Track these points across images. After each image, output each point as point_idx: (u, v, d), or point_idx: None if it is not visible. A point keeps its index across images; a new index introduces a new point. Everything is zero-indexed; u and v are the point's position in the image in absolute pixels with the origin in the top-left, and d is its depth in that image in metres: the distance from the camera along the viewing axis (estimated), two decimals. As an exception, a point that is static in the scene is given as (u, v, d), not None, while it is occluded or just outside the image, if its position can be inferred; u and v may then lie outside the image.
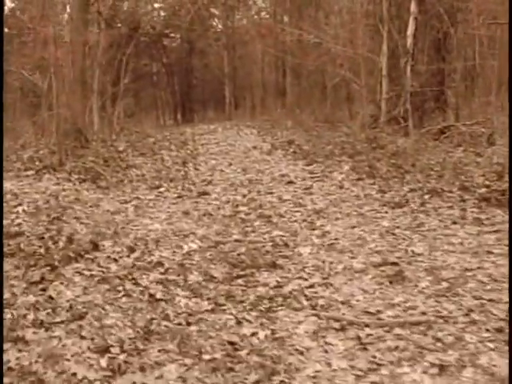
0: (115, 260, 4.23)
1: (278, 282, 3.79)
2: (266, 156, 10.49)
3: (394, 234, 4.80)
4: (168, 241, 4.78)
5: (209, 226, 5.27)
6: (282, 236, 4.91)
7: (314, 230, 5.10)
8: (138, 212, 5.89)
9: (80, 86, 9.78)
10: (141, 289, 3.66)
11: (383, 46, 11.80)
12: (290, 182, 7.75)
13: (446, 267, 3.92)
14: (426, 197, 6.14)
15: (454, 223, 5.11)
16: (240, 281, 3.83)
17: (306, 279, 3.84)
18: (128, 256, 4.33)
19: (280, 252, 4.46)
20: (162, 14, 25.98)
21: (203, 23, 26.83)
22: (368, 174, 7.65)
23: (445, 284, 3.59)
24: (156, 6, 25.73)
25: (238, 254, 4.35)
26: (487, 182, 6.51)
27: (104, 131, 11.82)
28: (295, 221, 5.45)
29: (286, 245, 4.64)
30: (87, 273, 3.94)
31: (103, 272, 3.96)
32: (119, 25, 20.50)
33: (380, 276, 3.78)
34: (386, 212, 5.58)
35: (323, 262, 4.16)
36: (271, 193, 6.98)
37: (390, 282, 3.65)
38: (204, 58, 27.96)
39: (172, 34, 27.10)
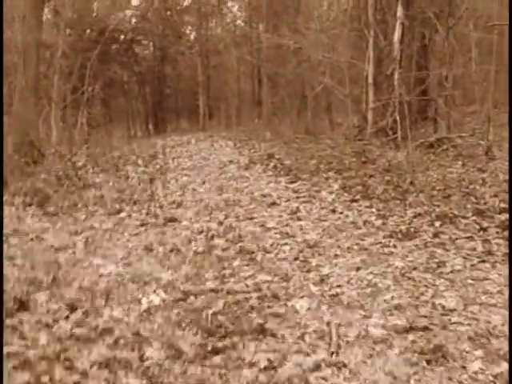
0: (47, 326, 3.12)
1: (269, 360, 2.73)
2: (243, 172, 9.46)
3: (411, 279, 3.79)
4: (123, 292, 3.68)
5: (176, 268, 4.19)
6: (270, 282, 3.86)
7: (309, 272, 4.07)
8: (90, 248, 4.77)
9: (33, 93, 8.61)
10: (75, 378, 2.56)
11: (369, 52, 10.91)
12: (273, 204, 6.73)
13: (495, 332, 2.92)
14: (437, 224, 5.17)
15: (482, 261, 4.13)
16: (218, 358, 2.77)
17: (307, 354, 2.80)
18: (66, 318, 3.22)
19: (269, 308, 3.41)
20: (133, 20, 24.84)
21: (176, 30, 25.81)
22: (362, 195, 6.68)
23: (503, 364, 2.58)
24: (127, 12, 24.62)
25: (214, 313, 3.28)
26: (503, 205, 5.59)
27: (64, 144, 10.64)
28: (284, 259, 4.41)
29: (276, 296, 3.59)
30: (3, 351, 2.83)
31: (26, 347, 2.85)
32: (88, 30, 19.33)
33: (410, 350, 2.76)
34: (395, 246, 4.58)
35: (328, 324, 3.12)
36: (252, 218, 5.93)
37: (428, 362, 2.63)
38: (177, 66, 26.89)
39: (144, 41, 25.97)
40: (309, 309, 3.36)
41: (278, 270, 4.11)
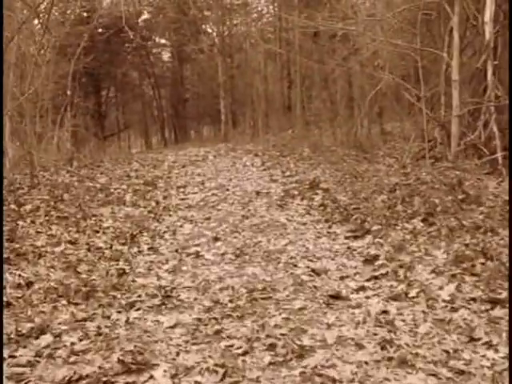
0: None
1: None
2: (277, 212, 6.42)
3: None
4: None
5: None
6: None
7: None
8: None
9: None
10: None
11: (454, 35, 7.73)
12: (337, 298, 3.67)
13: None
14: None
15: None
16: None
17: None
18: None
19: None
20: (145, 16, 22.02)
21: (194, 27, 22.95)
22: (503, 284, 3.54)
23: None
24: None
25: None
26: None
27: (26, 170, 7.73)
28: None
29: None
30: None
31: None
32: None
33: None
34: None
35: None
36: (302, 355, 2.85)
37: None
38: (196, 66, 24.01)
39: (158, 40, 23.20)
40: None
41: None
